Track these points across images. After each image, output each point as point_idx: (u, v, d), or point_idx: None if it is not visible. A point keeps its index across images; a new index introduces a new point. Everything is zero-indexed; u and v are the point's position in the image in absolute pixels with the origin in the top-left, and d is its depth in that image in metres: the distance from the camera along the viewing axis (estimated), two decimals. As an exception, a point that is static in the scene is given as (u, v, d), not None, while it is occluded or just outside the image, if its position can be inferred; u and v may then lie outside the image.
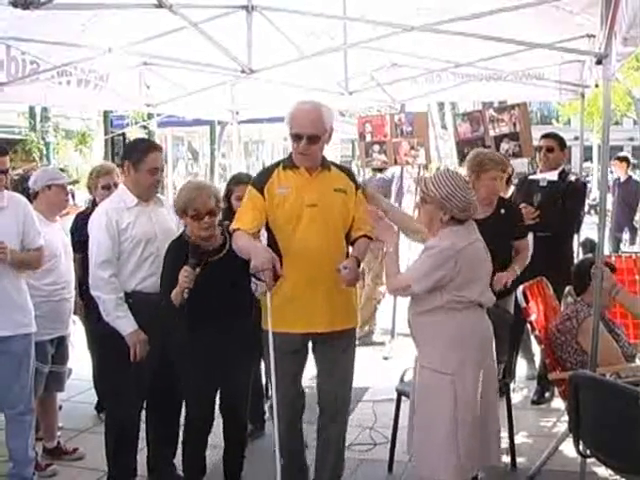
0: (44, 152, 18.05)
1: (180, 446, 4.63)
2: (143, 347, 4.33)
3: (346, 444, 5.16)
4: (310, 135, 4.00)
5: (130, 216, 4.42)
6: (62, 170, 5.54)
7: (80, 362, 5.76)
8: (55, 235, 4.94)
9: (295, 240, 4.08)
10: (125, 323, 4.33)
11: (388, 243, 3.95)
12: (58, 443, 5.28)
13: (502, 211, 5.14)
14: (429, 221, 3.85)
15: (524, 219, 5.40)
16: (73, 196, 16.59)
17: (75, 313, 5.24)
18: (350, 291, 4.20)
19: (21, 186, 5.38)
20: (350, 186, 4.20)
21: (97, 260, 4.35)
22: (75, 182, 6.02)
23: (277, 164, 4.23)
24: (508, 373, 5.04)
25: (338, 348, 4.20)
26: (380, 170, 8.60)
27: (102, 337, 4.54)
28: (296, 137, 4.02)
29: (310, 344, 4.26)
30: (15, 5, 3.87)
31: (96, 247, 4.38)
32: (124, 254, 4.40)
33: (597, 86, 6.77)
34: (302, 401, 4.33)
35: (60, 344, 5.10)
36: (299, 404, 4.31)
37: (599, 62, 4.25)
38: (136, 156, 4.43)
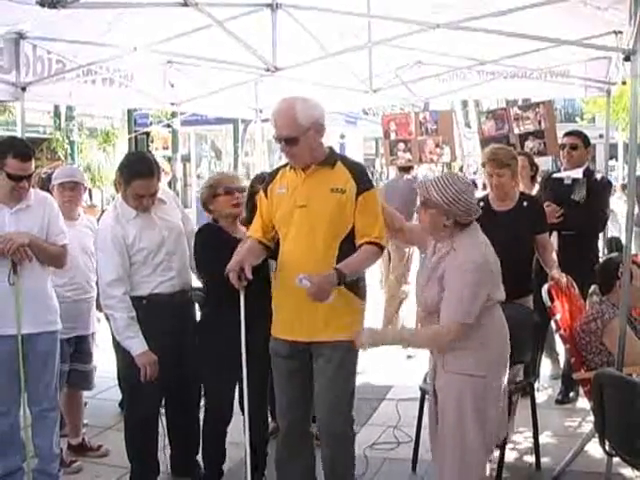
0: (69, 151, 18.14)
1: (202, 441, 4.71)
2: (153, 368, 4.31)
3: (370, 443, 5.21)
4: (286, 138, 3.73)
5: (134, 229, 4.38)
6: (87, 169, 5.51)
7: (105, 360, 5.79)
8: (72, 234, 4.81)
9: (285, 243, 3.89)
10: (136, 344, 4.31)
11: (392, 342, 3.80)
12: (83, 440, 5.32)
13: (524, 204, 5.13)
14: (431, 226, 3.71)
15: (546, 213, 5.37)
16: (90, 195, 16.70)
17: (100, 310, 5.25)
18: (345, 302, 3.80)
19: (46, 185, 5.40)
20: (352, 186, 3.77)
21: (108, 279, 4.33)
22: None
23: (287, 164, 3.97)
24: (532, 372, 5.00)
25: (331, 363, 3.84)
26: (407, 170, 8.52)
27: None
28: (276, 139, 3.80)
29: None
30: (42, 4, 3.90)
31: (105, 265, 4.38)
32: (136, 264, 4.40)
33: (624, 83, 6.71)
34: (297, 412, 4.03)
35: (80, 343, 5.13)
36: (297, 412, 4.03)
37: (627, 59, 4.21)
38: (124, 177, 4.38)
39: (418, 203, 8.25)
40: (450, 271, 3.60)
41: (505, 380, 3.83)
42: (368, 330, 3.73)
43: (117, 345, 4.48)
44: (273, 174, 4.02)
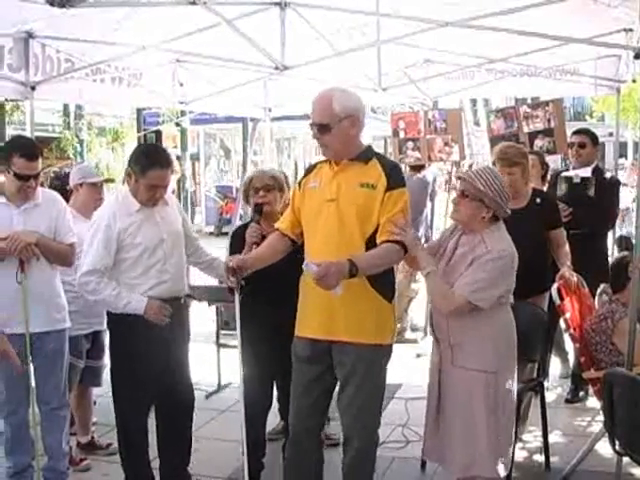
0: (78, 149, 18.22)
1: (194, 453, 4.70)
2: (165, 311, 4.17)
3: (379, 442, 5.19)
4: (318, 124, 3.69)
5: (132, 222, 4.27)
6: (96, 167, 5.55)
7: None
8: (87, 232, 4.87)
9: (312, 238, 3.81)
10: (134, 305, 4.16)
11: (422, 259, 3.77)
12: (92, 438, 5.32)
13: (537, 200, 5.10)
14: (470, 217, 3.75)
15: (559, 209, 5.35)
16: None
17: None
18: (370, 301, 3.71)
19: (53, 183, 5.41)
20: (382, 183, 3.67)
21: (86, 269, 4.22)
22: (110, 180, 6.00)
23: (325, 159, 3.91)
24: (542, 371, 4.99)
25: (347, 367, 3.74)
26: (417, 169, 8.49)
27: (116, 339, 4.45)
28: (311, 126, 3.74)
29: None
30: (52, 3, 3.91)
31: (86, 254, 4.28)
32: (128, 261, 4.27)
33: (634, 81, 6.70)
34: (312, 420, 3.94)
35: (96, 339, 5.14)
36: (311, 421, 3.93)
37: (637, 56, 4.20)
38: (137, 168, 4.27)
39: (427, 202, 8.28)
40: (478, 258, 3.65)
41: (515, 381, 3.85)
42: (415, 236, 3.77)
43: (112, 348, 4.45)
44: (310, 168, 4.00)
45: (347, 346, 3.73)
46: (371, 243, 3.69)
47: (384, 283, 3.76)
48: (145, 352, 4.23)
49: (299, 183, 3.97)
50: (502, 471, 3.79)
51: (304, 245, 3.89)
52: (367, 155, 3.79)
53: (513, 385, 3.83)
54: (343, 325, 3.71)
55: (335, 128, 3.66)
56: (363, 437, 3.86)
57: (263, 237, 4.13)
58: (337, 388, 3.92)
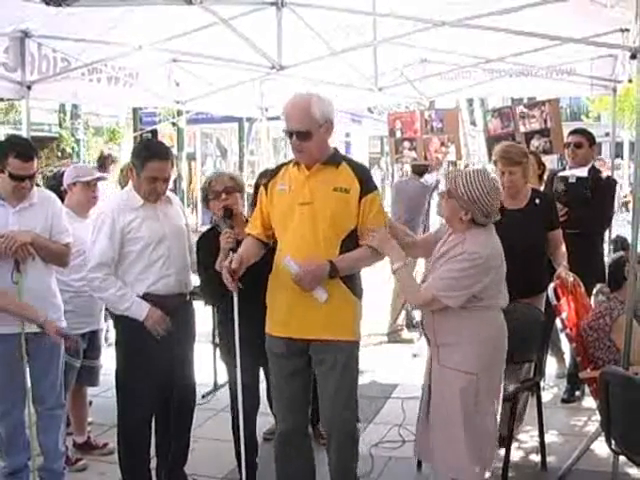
0: (75, 149, 18.18)
1: (190, 453, 4.72)
2: (164, 323, 4.25)
3: (375, 441, 5.20)
4: (298, 131, 3.72)
5: (137, 217, 4.31)
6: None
7: (110, 357, 5.79)
8: (85, 231, 4.80)
9: (285, 239, 3.87)
10: (135, 310, 4.24)
11: (392, 257, 3.82)
12: (88, 438, 5.32)
13: (537, 201, 5.09)
14: (450, 215, 3.82)
15: (557, 210, 5.35)
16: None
17: (107, 309, 5.25)
18: (343, 297, 3.83)
19: (49, 183, 5.40)
20: (356, 187, 3.78)
21: (92, 263, 4.28)
22: (103, 178, 5.98)
23: (290, 161, 3.98)
24: (538, 371, 4.99)
25: (336, 369, 3.84)
26: (420, 173, 8.49)
27: (122, 337, 4.47)
28: (287, 134, 3.77)
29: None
30: (47, 3, 3.91)
31: (92, 248, 4.33)
32: (131, 255, 4.31)
33: (630, 81, 6.70)
34: (297, 414, 4.03)
35: (92, 339, 5.14)
36: (295, 417, 4.03)
37: (633, 56, 4.20)
38: (138, 161, 4.31)
39: (426, 205, 8.29)
40: (452, 257, 3.69)
41: (500, 385, 3.87)
42: (385, 235, 3.80)
43: (118, 346, 4.45)
44: (276, 170, 4.04)
45: (327, 344, 3.81)
46: (345, 245, 3.80)
47: (353, 280, 3.88)
48: (151, 350, 4.26)
49: (265, 185, 4.01)
50: (482, 474, 3.79)
51: (276, 245, 3.96)
52: (336, 159, 3.87)
53: (497, 389, 3.84)
54: (322, 323, 3.80)
55: (315, 135, 3.73)
56: (343, 432, 3.93)
57: (237, 242, 4.13)
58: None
